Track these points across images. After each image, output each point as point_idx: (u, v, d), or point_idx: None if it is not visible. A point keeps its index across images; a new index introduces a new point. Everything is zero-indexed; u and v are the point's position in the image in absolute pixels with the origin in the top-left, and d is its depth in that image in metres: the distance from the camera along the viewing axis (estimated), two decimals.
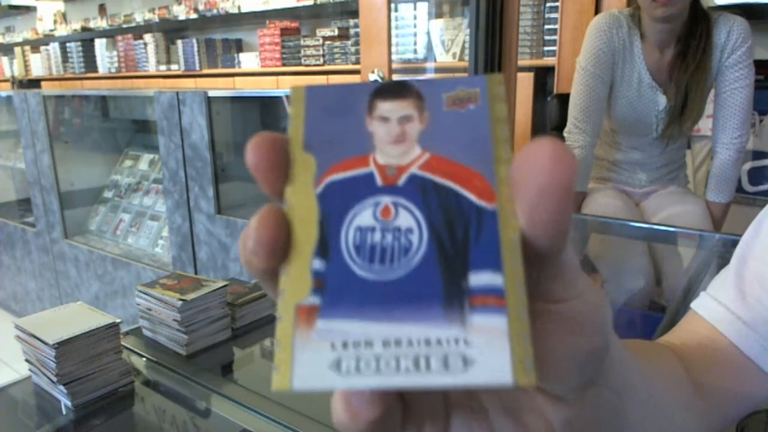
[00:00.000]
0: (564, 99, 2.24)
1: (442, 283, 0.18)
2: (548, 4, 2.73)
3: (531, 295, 0.18)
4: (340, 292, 0.18)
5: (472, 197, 0.19)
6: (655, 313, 1.54)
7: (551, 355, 0.20)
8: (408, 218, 0.19)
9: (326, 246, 0.19)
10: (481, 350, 0.17)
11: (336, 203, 0.19)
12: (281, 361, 0.18)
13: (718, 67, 1.66)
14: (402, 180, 0.19)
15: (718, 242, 1.34)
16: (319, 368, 0.18)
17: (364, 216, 0.19)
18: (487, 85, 0.20)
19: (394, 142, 0.20)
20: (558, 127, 2.23)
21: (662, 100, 1.70)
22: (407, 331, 0.18)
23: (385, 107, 0.20)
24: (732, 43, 1.63)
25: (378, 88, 0.21)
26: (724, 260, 1.27)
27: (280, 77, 4.04)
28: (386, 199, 0.19)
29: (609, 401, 0.24)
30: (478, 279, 0.18)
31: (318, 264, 0.19)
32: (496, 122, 0.19)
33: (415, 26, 3.19)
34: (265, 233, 0.19)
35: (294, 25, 4.11)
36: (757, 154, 2.11)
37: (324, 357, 0.18)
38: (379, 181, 0.19)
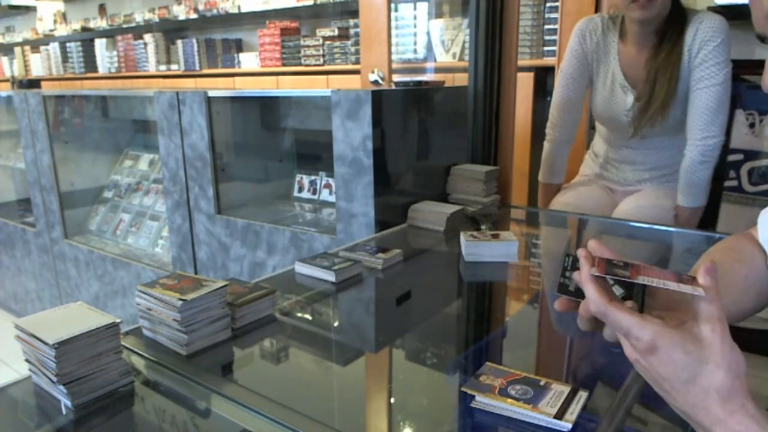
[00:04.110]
0: None
1: None
2: (548, 4, 2.73)
3: None
4: None
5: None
6: None
7: None
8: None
9: None
10: None
11: None
12: None
13: (689, 67, 1.64)
14: None
15: (717, 242, 1.34)
16: None
17: None
18: None
19: None
20: None
21: (630, 99, 1.72)
22: None
23: None
24: (699, 42, 1.59)
25: None
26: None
27: (280, 77, 4.04)
28: None
29: None
30: None
31: None
32: None
33: (415, 26, 3.19)
34: None
35: (294, 25, 4.11)
36: (757, 154, 2.11)
37: None
38: None
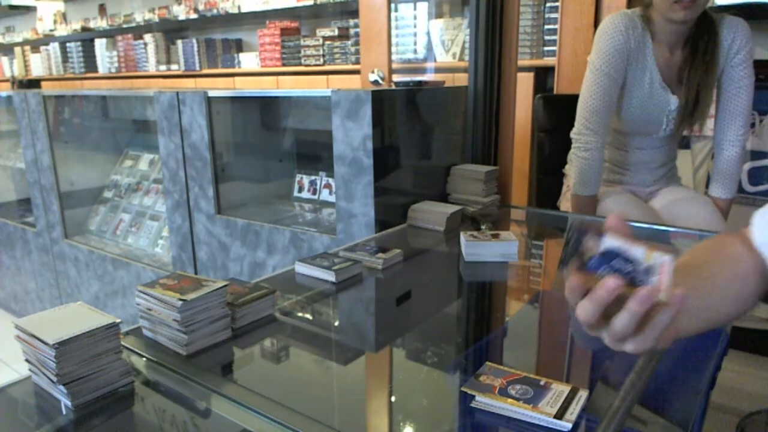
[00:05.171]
0: (551, 100, 2.23)
1: None
2: (548, 4, 2.73)
3: None
4: None
5: None
6: None
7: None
8: None
9: None
10: None
11: None
12: None
13: (723, 67, 1.70)
14: None
15: None
16: None
17: None
18: None
19: None
20: (547, 130, 2.20)
21: (673, 100, 1.72)
22: None
23: None
24: (738, 45, 1.68)
25: None
26: None
27: (280, 77, 4.04)
28: None
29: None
30: None
31: None
32: None
33: (415, 26, 3.19)
34: None
35: (294, 25, 4.11)
36: (757, 154, 2.11)
37: None
38: None
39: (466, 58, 1.95)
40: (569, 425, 0.67)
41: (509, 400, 0.71)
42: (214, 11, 4.44)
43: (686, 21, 1.61)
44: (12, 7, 6.65)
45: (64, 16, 6.32)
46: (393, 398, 0.82)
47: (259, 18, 4.15)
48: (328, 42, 3.81)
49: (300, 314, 1.10)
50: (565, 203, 1.93)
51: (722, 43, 1.68)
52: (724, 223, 1.73)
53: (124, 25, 5.36)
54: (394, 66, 2.87)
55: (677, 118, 1.75)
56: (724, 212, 1.77)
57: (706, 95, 1.71)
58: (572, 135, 1.79)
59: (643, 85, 1.73)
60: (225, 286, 0.93)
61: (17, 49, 6.52)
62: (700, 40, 1.68)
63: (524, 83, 2.64)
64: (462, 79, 1.94)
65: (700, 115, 1.74)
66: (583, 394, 0.72)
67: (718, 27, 1.67)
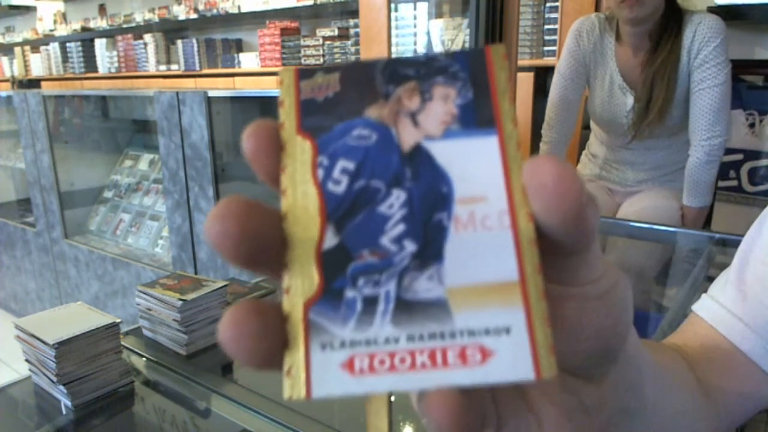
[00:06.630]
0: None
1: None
2: (548, 4, 2.73)
3: (552, 280, 0.19)
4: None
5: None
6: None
7: (580, 332, 0.20)
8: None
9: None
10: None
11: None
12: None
13: (689, 68, 1.63)
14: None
15: (716, 242, 1.34)
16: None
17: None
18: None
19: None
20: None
21: (630, 101, 1.71)
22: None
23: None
24: (698, 43, 1.58)
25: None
26: (716, 260, 1.27)
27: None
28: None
29: (632, 382, 0.25)
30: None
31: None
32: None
33: (415, 26, 3.19)
34: (225, 227, 0.17)
35: (294, 25, 4.11)
36: (757, 154, 2.11)
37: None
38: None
39: None
40: None
41: None
42: (214, 11, 4.44)
43: (634, 19, 1.58)
44: (12, 7, 6.65)
45: (64, 16, 6.32)
46: (392, 398, 0.82)
47: (259, 18, 4.15)
48: (328, 42, 3.81)
49: None
50: None
51: (683, 41, 1.61)
52: (678, 220, 1.68)
53: (124, 25, 5.36)
54: None
55: (634, 119, 1.72)
56: (688, 219, 1.70)
57: (660, 93, 1.64)
58: (542, 131, 1.89)
59: (603, 86, 1.75)
60: (225, 286, 0.93)
61: (17, 49, 6.52)
62: (662, 40, 1.63)
63: (524, 83, 2.64)
64: None
65: (654, 115, 1.65)
66: None
67: (683, 24, 1.61)
